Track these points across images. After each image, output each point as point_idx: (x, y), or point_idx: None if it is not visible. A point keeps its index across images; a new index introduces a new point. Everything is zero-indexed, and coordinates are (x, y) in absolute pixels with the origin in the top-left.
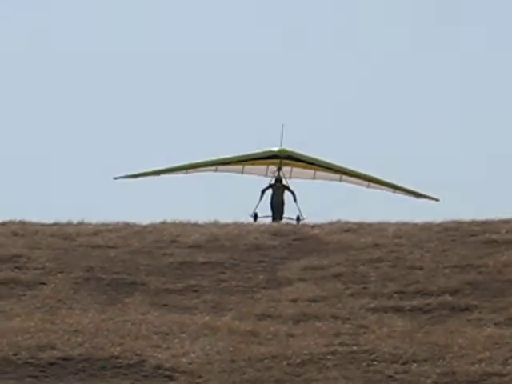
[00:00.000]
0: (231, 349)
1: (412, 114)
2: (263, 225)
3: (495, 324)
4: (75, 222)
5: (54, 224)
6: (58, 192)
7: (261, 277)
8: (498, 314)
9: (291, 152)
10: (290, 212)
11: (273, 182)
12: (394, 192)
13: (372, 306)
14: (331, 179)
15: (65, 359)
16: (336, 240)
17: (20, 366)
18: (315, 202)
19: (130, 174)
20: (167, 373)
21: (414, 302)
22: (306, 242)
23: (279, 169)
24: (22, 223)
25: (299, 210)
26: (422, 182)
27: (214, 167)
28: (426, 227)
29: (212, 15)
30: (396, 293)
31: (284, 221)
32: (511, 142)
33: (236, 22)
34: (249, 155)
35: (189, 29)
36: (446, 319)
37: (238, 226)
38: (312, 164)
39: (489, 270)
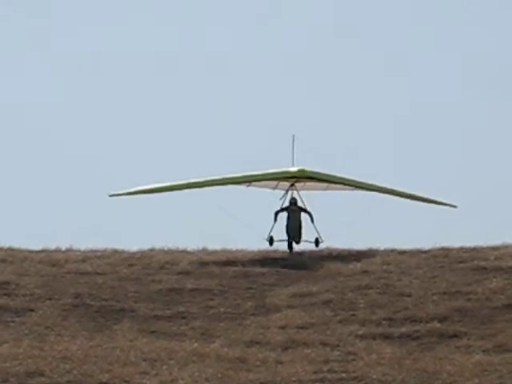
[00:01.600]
0: (220, 376)
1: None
2: (251, 251)
3: (484, 351)
4: (63, 248)
5: (43, 250)
6: (46, 218)
7: (249, 303)
8: (487, 341)
9: (311, 172)
10: (307, 235)
11: (286, 204)
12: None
13: (361, 332)
14: (344, 189)
15: None
16: (325, 267)
17: None
18: (333, 221)
19: (135, 190)
20: None
21: (403, 329)
22: (295, 268)
23: (292, 185)
24: (11, 250)
25: (317, 231)
26: (407, 208)
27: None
28: (415, 254)
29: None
30: (385, 320)
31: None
32: (499, 169)
33: (240, 26)
34: (263, 175)
35: (189, 35)
36: (435, 346)
37: (226, 252)
38: (334, 182)
39: (477, 297)
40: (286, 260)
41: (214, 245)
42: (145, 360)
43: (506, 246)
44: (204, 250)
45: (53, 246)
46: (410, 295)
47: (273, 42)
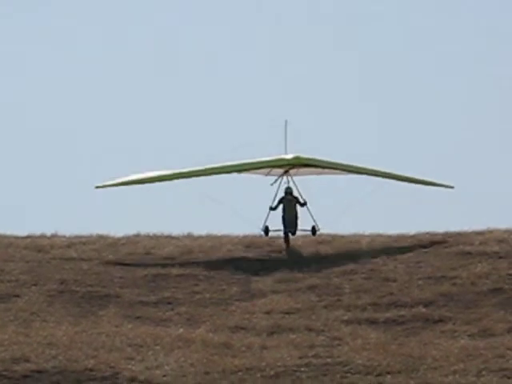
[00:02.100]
0: (205, 361)
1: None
2: (236, 237)
3: (469, 335)
4: (49, 234)
5: (28, 236)
6: (32, 204)
7: (234, 289)
8: (472, 326)
9: (307, 159)
10: (302, 223)
11: (280, 193)
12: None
13: (346, 317)
14: (338, 173)
15: (39, 372)
16: (310, 252)
17: None
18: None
19: (121, 180)
20: None
21: (388, 314)
22: (280, 254)
23: (287, 171)
24: None
25: (314, 220)
26: (391, 193)
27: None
28: (400, 239)
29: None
30: (370, 305)
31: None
32: (484, 155)
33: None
34: (257, 163)
35: (182, 22)
36: (420, 331)
37: (211, 238)
38: (330, 168)
39: (462, 282)
40: (271, 245)
41: (199, 230)
42: (130, 345)
43: (490, 231)
44: (189, 236)
45: (38, 232)
46: (395, 280)
47: (262, 29)
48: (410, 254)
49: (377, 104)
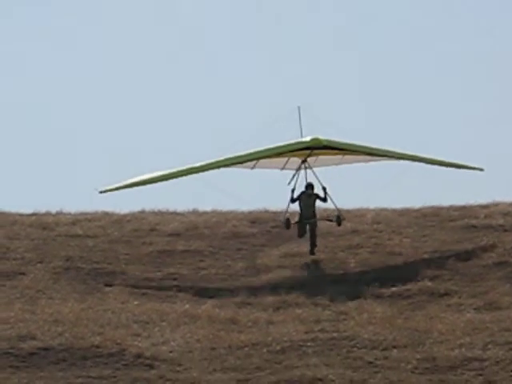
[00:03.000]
0: (211, 337)
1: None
2: (241, 212)
3: (475, 309)
4: (54, 211)
5: (33, 214)
6: (36, 182)
7: (240, 264)
8: (478, 299)
9: (326, 141)
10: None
11: (299, 187)
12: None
13: (352, 292)
14: (359, 161)
15: (45, 349)
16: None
17: (0, 356)
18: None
19: (123, 184)
20: (148, 361)
21: (394, 288)
22: (285, 229)
23: (304, 161)
24: (1, 213)
25: (337, 208)
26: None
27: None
28: (405, 213)
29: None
30: (375, 279)
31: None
32: (490, 127)
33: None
34: (272, 150)
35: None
36: (426, 305)
37: (216, 213)
38: (350, 151)
39: (468, 255)
40: (276, 221)
41: (205, 206)
42: (136, 322)
43: (495, 204)
44: (194, 212)
45: (43, 210)
46: (400, 254)
47: (270, 12)
48: (416, 228)
49: (392, 87)
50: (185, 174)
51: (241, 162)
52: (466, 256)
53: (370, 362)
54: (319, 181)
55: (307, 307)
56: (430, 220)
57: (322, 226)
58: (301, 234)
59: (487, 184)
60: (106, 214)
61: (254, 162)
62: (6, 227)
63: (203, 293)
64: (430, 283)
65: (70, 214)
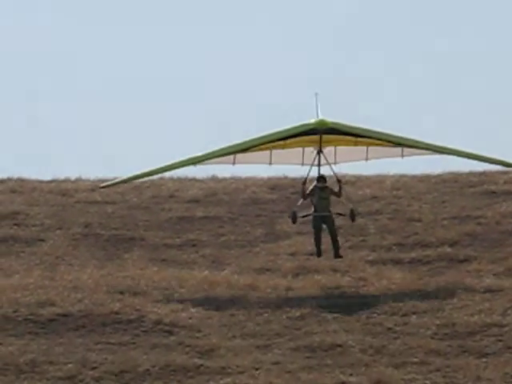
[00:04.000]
0: (231, 303)
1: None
2: (261, 179)
3: (494, 275)
4: (73, 178)
5: (52, 181)
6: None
7: (259, 231)
8: (497, 265)
9: (333, 123)
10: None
11: (314, 182)
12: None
13: (371, 258)
14: (391, 156)
15: (64, 315)
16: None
17: (20, 322)
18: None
19: (121, 179)
20: (167, 328)
21: (413, 254)
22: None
23: (320, 152)
24: (20, 180)
25: (352, 203)
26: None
27: (231, 157)
28: (425, 179)
29: None
30: (395, 245)
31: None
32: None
33: None
34: (276, 134)
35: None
36: (445, 271)
37: (235, 180)
38: (363, 137)
39: (487, 221)
40: (295, 187)
41: (224, 172)
42: (155, 288)
43: None
44: (213, 178)
45: (62, 176)
46: (420, 220)
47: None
48: (435, 194)
49: (418, 71)
50: (187, 164)
51: (245, 149)
52: (485, 222)
53: (390, 328)
54: (334, 173)
55: (326, 273)
56: (449, 186)
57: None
58: (317, 242)
59: (507, 150)
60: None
61: (267, 155)
62: (26, 194)
63: (222, 259)
64: (449, 249)
65: (89, 180)
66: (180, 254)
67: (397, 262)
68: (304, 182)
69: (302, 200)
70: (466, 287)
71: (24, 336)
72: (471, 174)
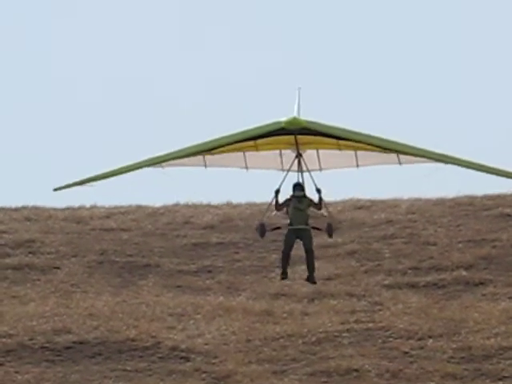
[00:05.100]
0: (246, 329)
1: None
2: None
3: (510, 298)
4: (88, 205)
5: (67, 208)
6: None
7: (274, 256)
8: None
9: (308, 122)
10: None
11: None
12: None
13: (387, 282)
14: (386, 162)
15: (80, 343)
16: (349, 217)
17: (36, 350)
18: None
19: (78, 180)
20: (183, 354)
21: (429, 278)
22: (319, 220)
23: (298, 156)
24: (35, 208)
25: (331, 215)
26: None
27: (201, 159)
28: (439, 202)
29: None
30: (410, 269)
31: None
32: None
33: None
34: (242, 132)
35: None
36: (461, 294)
37: (250, 205)
38: (345, 139)
39: (502, 244)
40: (309, 211)
41: (239, 198)
42: (171, 315)
43: None
44: (228, 204)
45: (77, 204)
46: (435, 244)
47: None
48: (450, 218)
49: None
50: (147, 165)
51: (211, 149)
52: (500, 245)
53: (406, 352)
54: (313, 181)
55: (342, 298)
56: (464, 209)
57: (356, 216)
58: (284, 260)
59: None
60: (140, 207)
61: (241, 157)
62: (41, 222)
63: (238, 285)
64: (464, 272)
65: (103, 207)
66: (195, 281)
67: (412, 286)
68: (277, 190)
69: (274, 211)
70: (482, 311)
71: (40, 364)
72: (486, 197)
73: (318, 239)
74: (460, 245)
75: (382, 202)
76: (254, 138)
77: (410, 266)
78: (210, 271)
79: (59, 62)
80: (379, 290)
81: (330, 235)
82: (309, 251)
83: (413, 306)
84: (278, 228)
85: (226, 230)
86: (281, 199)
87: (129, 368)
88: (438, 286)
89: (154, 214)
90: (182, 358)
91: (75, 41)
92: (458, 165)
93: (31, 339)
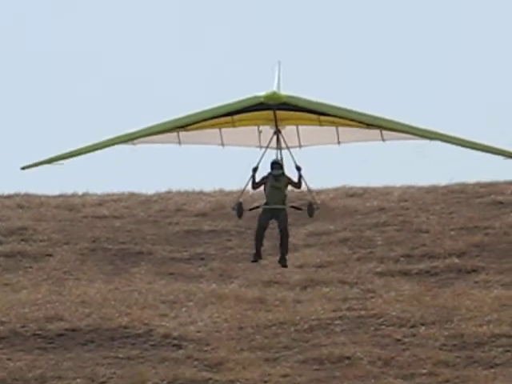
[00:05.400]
0: (239, 316)
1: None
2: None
3: (502, 285)
4: (80, 192)
5: (59, 196)
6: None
7: (267, 244)
8: (505, 275)
9: (288, 97)
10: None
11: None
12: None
13: (379, 270)
14: (368, 139)
15: (73, 330)
16: (341, 205)
17: (28, 338)
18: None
19: (46, 158)
20: (175, 341)
21: (421, 266)
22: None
23: (277, 132)
24: (27, 195)
25: (312, 194)
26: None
27: (175, 135)
28: (432, 190)
29: None
30: (403, 256)
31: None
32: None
33: None
34: (219, 108)
35: None
36: (453, 282)
37: (243, 193)
38: (327, 115)
39: (495, 232)
40: (301, 199)
41: (231, 186)
42: (163, 302)
43: None
44: (221, 191)
45: (69, 191)
46: (427, 231)
47: None
48: (442, 205)
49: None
50: (119, 142)
51: (186, 125)
52: (493, 232)
53: (398, 340)
54: (293, 159)
55: (334, 285)
56: (456, 197)
57: (348, 204)
58: (258, 241)
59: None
60: (133, 194)
61: (217, 133)
62: (33, 209)
63: (230, 272)
64: (457, 260)
65: (96, 195)
66: (188, 268)
67: (405, 274)
68: (255, 168)
69: (245, 188)
70: (475, 298)
71: (32, 351)
72: (478, 184)
73: (311, 227)
74: (452, 232)
75: (374, 189)
76: (232, 114)
77: (402, 254)
78: (202, 259)
79: (59, 62)
80: (371, 277)
81: (311, 215)
82: (283, 231)
83: (405, 294)
84: (257, 207)
85: (218, 218)
86: (259, 177)
87: (121, 355)
88: (431, 273)
89: (146, 201)
90: (174, 345)
91: (75, 40)
92: (444, 141)
93: (23, 326)
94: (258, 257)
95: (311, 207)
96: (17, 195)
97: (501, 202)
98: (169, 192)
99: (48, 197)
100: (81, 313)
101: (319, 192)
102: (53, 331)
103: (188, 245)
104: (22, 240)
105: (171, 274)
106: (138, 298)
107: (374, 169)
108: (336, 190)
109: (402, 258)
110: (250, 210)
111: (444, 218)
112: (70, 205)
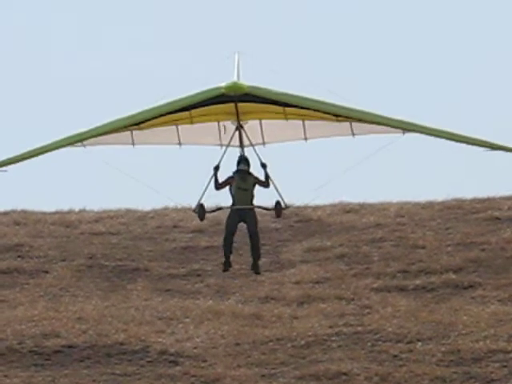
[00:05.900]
0: (235, 332)
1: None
2: (265, 208)
3: (499, 301)
4: (77, 209)
5: (56, 212)
6: (60, 180)
7: (263, 259)
8: (502, 291)
9: (250, 87)
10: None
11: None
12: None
13: (376, 285)
14: (337, 134)
15: (69, 347)
16: (338, 221)
17: (25, 354)
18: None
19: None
20: (172, 358)
21: (418, 281)
22: (308, 223)
23: (239, 128)
24: (24, 212)
25: (279, 192)
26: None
27: (128, 135)
28: (428, 206)
29: None
30: (399, 272)
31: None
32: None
33: None
34: (176, 101)
35: None
36: (450, 297)
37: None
38: (293, 106)
39: (491, 247)
40: (299, 215)
41: (228, 202)
42: (160, 319)
43: None
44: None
45: (66, 207)
46: (424, 247)
47: None
48: (439, 221)
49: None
50: (69, 143)
51: (140, 123)
52: (489, 248)
53: (395, 356)
54: (258, 156)
55: (331, 301)
56: (453, 212)
57: (345, 220)
58: (227, 247)
59: (510, 175)
60: (129, 210)
61: (174, 132)
62: (30, 225)
63: (227, 288)
64: (453, 276)
65: (92, 211)
66: (184, 284)
67: (401, 289)
68: (216, 166)
69: (206, 189)
70: (471, 314)
71: (29, 368)
72: (475, 200)
73: (308, 243)
74: (449, 248)
75: (371, 205)
76: (189, 108)
77: (398, 269)
78: (199, 275)
79: (58, 61)
80: (368, 293)
81: (279, 214)
82: (253, 235)
83: (402, 310)
84: (220, 209)
85: (214, 234)
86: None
87: (118, 372)
88: (427, 289)
89: (143, 217)
90: (171, 361)
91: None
92: (420, 132)
93: (20, 343)
94: (228, 265)
95: (279, 205)
96: (13, 212)
97: (498, 218)
98: (165, 208)
99: (45, 213)
100: (77, 329)
101: (316, 208)
102: (49, 348)
103: (185, 261)
104: (19, 256)
105: (168, 290)
106: (135, 314)
107: (370, 185)
108: (333, 206)
109: (398, 274)
110: (212, 211)
111: (441, 234)
112: (66, 221)
